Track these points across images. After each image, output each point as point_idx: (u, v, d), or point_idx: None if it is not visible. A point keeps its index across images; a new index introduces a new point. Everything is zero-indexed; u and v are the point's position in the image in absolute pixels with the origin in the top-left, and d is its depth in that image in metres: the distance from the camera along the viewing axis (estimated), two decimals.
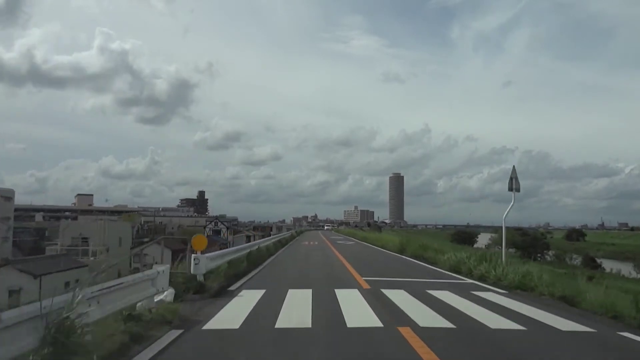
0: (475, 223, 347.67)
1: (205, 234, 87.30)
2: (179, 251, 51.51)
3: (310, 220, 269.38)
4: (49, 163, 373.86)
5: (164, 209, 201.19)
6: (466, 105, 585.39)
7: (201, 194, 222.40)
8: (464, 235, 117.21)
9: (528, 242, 73.01)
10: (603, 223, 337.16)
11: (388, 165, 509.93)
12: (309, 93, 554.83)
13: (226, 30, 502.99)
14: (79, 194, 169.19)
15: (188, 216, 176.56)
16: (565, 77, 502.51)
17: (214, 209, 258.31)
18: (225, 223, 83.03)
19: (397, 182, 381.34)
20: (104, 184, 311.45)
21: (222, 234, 78.41)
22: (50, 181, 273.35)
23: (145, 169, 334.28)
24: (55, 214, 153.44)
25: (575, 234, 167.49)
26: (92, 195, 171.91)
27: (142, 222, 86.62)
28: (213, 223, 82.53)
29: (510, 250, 60.11)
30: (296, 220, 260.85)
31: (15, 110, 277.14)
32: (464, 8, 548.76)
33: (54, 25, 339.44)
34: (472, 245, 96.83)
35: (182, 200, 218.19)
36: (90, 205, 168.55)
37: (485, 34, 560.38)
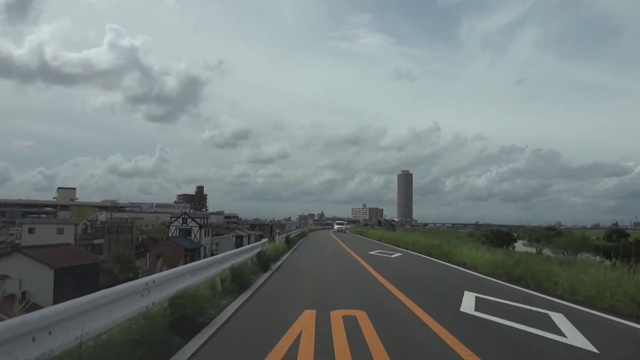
0: (484, 222, 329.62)
1: (171, 234, 63.12)
2: (72, 272, 26.91)
3: (316, 218, 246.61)
4: (57, 160, 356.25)
5: (159, 205, 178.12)
6: (475, 104, 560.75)
7: (200, 189, 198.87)
8: (502, 236, 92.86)
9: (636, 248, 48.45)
10: (617, 222, 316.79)
11: (396, 164, 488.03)
12: (317, 91, 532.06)
13: (235, 28, 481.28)
14: (60, 188, 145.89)
15: (185, 212, 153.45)
16: (575, 75, 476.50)
17: (216, 206, 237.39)
18: (197, 219, 58.69)
19: (405, 179, 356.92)
20: (112, 181, 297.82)
21: (193, 235, 54.75)
22: (58, 178, 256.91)
23: (153, 167, 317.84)
24: (31, 209, 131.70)
25: (616, 235, 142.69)
26: (74, 189, 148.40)
27: (96, 219, 63.13)
28: (181, 220, 58.20)
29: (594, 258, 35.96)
30: (302, 218, 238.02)
31: (24, 107, 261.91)
32: (472, 6, 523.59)
33: (64, 21, 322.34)
34: (512, 248, 74.13)
35: (179, 196, 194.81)
36: (72, 199, 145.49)
37: (493, 33, 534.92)
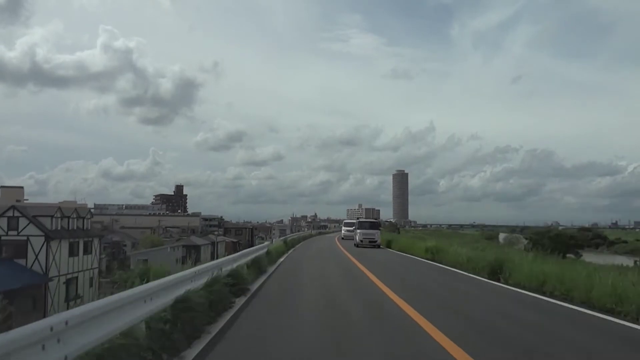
0: (480, 222, 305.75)
1: None
2: None
3: (309, 220, 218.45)
4: (49, 165, 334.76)
5: (130, 207, 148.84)
6: (470, 104, 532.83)
7: (179, 188, 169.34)
8: (563, 242, 64.27)
9: None
10: (617, 222, 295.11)
11: (391, 165, 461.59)
12: (312, 92, 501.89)
13: (229, 30, 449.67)
14: (2, 186, 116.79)
15: (151, 214, 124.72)
16: (570, 74, 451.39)
17: (210, 210, 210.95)
18: (40, 219, 27.25)
19: (401, 179, 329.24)
20: (105, 185, 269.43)
21: (34, 255, 25.00)
22: (50, 183, 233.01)
23: (146, 170, 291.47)
24: None
25: None
26: (22, 187, 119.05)
27: None
28: (6, 222, 27.09)
29: None
30: (294, 220, 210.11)
31: (15, 111, 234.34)
32: (464, 5, 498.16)
33: (56, 23, 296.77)
34: (577, 256, 48.04)
35: (155, 196, 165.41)
36: (19, 200, 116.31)
37: (486, 31, 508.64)
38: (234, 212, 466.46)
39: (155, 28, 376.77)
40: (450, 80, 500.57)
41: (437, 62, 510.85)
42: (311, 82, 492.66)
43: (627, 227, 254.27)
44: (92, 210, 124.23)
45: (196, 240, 53.64)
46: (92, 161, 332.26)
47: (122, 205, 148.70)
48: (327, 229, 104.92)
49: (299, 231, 74.70)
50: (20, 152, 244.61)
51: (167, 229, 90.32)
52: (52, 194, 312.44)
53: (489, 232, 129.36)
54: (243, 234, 78.65)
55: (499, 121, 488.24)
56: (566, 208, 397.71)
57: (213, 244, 59.32)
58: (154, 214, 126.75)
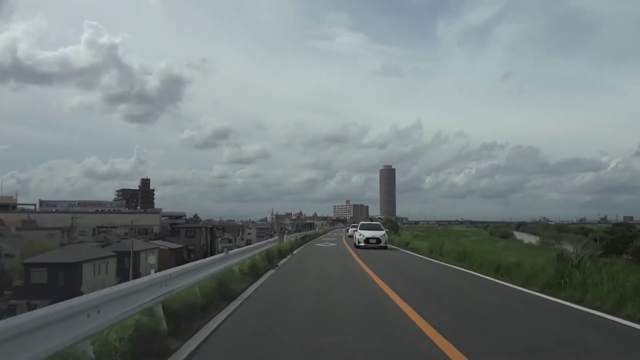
0: (467, 218, 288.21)
1: None
2: None
3: (294, 217, 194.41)
4: (32, 164, 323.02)
5: (85, 203, 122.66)
6: (457, 102, 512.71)
7: (145, 182, 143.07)
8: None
9: None
10: (606, 217, 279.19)
11: (377, 162, 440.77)
12: (299, 90, 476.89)
13: (216, 27, 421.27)
14: None
15: (98, 211, 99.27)
16: (558, 71, 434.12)
17: (194, 208, 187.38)
18: None
19: (388, 175, 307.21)
20: (88, 184, 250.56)
21: None
22: (32, 182, 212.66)
23: (131, 169, 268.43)
24: None
25: None
26: None
27: None
28: None
29: None
30: (278, 218, 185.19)
31: None
32: (448, 3, 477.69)
33: (40, 18, 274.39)
34: None
35: (118, 191, 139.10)
36: None
37: (472, 30, 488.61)
38: (218, 211, 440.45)
39: (142, 24, 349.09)
40: (436, 78, 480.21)
41: (423, 60, 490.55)
42: (298, 80, 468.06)
43: (614, 222, 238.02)
44: (14, 205, 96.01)
45: (83, 251, 28.61)
46: (75, 160, 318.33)
47: (75, 201, 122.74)
48: (315, 228, 79.76)
49: (282, 230, 50.53)
50: (1, 151, 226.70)
51: (103, 229, 64.68)
52: (35, 193, 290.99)
53: (503, 229, 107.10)
54: (196, 237, 53.83)
55: (485, 118, 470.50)
56: (550, 204, 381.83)
57: (129, 255, 34.27)
58: (107, 211, 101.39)
